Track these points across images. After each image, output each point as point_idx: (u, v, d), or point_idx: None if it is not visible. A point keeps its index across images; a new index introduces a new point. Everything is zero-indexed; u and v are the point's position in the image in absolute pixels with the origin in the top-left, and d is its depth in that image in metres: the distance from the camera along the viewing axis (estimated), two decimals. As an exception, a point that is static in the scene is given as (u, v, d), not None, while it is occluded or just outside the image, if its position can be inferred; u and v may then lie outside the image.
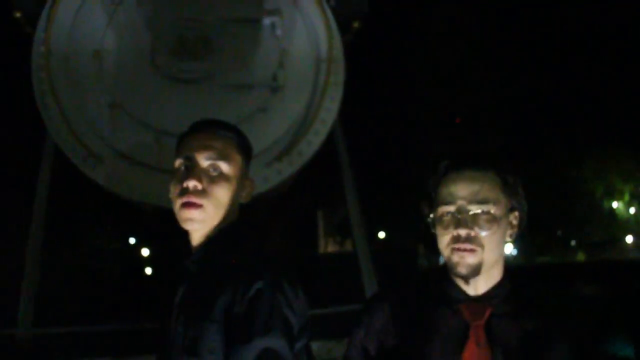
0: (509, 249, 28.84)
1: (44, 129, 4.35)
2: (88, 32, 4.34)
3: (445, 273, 1.53)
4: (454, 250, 1.45)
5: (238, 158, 1.61)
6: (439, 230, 1.50)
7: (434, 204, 1.53)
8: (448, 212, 1.48)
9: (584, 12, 17.83)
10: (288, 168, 4.27)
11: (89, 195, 5.43)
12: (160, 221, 4.53)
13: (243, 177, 1.63)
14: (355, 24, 5.06)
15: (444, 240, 1.48)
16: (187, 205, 1.50)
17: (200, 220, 1.52)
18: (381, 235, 18.86)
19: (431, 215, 1.53)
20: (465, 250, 1.44)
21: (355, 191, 4.96)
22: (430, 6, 15.48)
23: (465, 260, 1.44)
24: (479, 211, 1.46)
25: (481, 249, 1.45)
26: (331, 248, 17.33)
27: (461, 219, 1.46)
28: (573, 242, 25.87)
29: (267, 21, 4.53)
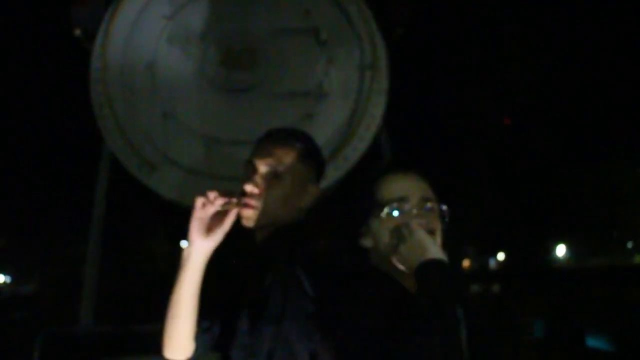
0: (561, 250, 28.17)
1: (102, 139, 4.57)
2: (141, 45, 4.54)
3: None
4: None
5: (299, 166, 1.80)
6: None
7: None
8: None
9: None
10: (334, 173, 4.36)
11: (144, 202, 5.65)
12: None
13: (304, 183, 1.81)
14: (399, 30, 5.11)
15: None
16: (244, 206, 1.73)
17: (255, 219, 1.74)
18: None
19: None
20: None
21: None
22: (475, 8, 15.33)
23: None
24: None
25: None
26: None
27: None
28: (630, 244, 25.05)
29: (312, 30, 4.64)
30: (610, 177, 19.85)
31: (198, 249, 1.67)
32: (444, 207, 1.65)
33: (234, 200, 1.67)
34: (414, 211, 1.62)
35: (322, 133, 4.42)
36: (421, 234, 1.54)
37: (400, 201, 1.63)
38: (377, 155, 4.73)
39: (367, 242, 1.71)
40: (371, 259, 1.73)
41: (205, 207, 1.65)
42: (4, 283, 27.20)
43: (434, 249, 1.52)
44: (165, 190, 4.34)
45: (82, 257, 4.51)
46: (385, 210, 1.63)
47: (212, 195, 1.65)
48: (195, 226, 1.65)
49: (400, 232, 1.57)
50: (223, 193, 1.66)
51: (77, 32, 4.78)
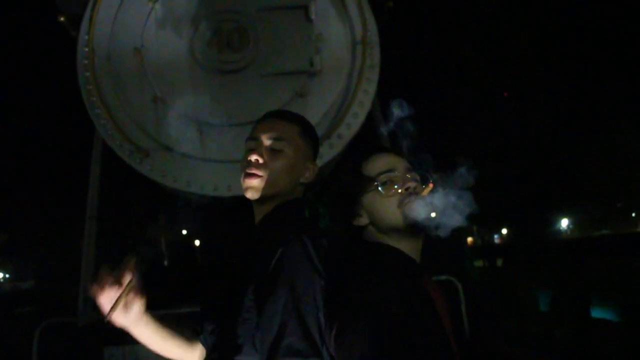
0: (564, 222, 28.18)
1: (93, 126, 4.51)
2: (128, 30, 4.47)
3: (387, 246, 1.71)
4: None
5: (300, 141, 1.87)
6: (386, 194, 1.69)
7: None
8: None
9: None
10: (329, 151, 4.31)
11: (141, 190, 5.61)
12: (204, 209, 4.64)
13: (305, 159, 1.88)
14: (389, 4, 5.03)
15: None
16: (249, 175, 1.78)
17: (259, 189, 1.78)
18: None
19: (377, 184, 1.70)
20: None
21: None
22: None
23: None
24: None
25: None
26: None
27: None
28: (634, 214, 25.05)
29: (301, 8, 4.56)
30: (613, 148, 19.78)
31: (131, 329, 1.71)
32: (427, 174, 1.72)
33: (128, 284, 1.61)
34: (405, 177, 1.71)
35: (316, 111, 4.37)
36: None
37: (389, 172, 1.72)
38: (372, 132, 4.67)
39: (362, 221, 1.75)
40: (366, 237, 1.76)
41: (103, 291, 1.61)
42: (4, 278, 27.39)
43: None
44: (159, 176, 4.29)
45: (81, 249, 4.47)
46: (377, 182, 1.71)
47: (103, 281, 1.60)
48: (110, 309, 1.61)
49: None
50: (114, 276, 1.61)
51: (62, 18, 4.70)
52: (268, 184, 1.79)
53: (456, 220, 1.63)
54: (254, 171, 1.78)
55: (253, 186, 1.79)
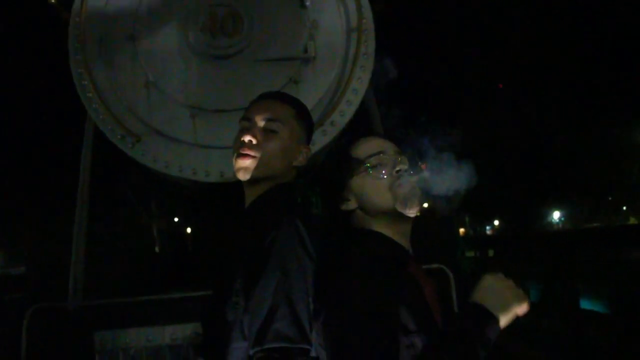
0: (556, 215, 28.36)
1: (84, 110, 4.47)
2: (120, 13, 4.42)
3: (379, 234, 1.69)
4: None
5: (294, 123, 1.83)
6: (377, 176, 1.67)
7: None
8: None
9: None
10: (322, 139, 4.30)
11: (133, 176, 5.58)
12: (196, 195, 4.63)
13: (298, 142, 1.85)
14: (385, -10, 5.00)
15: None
16: (241, 156, 1.74)
17: (252, 170, 1.74)
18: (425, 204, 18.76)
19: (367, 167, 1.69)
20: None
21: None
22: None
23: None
24: None
25: None
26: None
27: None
28: (625, 208, 25.21)
29: (295, -7, 4.52)
30: (605, 142, 19.84)
31: None
32: (416, 157, 1.73)
33: None
34: (395, 159, 1.70)
35: (309, 98, 4.34)
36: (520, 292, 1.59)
37: (379, 154, 1.70)
38: (365, 119, 4.66)
39: (350, 205, 1.72)
40: (353, 222, 1.74)
41: None
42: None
43: None
44: (150, 161, 4.26)
45: (71, 236, 4.44)
46: (367, 164, 1.69)
47: None
48: None
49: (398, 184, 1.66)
50: None
51: (52, 0, 4.65)
52: (261, 165, 1.75)
53: (450, 192, 1.65)
54: (247, 151, 1.75)
55: (245, 167, 1.75)
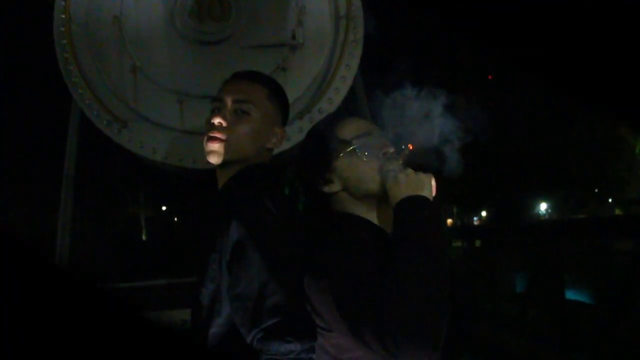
0: (542, 206, 28.61)
1: (70, 95, 4.42)
2: (107, -4, 4.37)
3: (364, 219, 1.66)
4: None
5: (267, 104, 1.76)
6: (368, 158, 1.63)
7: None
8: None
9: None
10: (309, 126, 4.26)
11: (121, 164, 5.54)
12: (182, 182, 4.61)
13: (272, 123, 1.78)
14: (374, -22, 4.97)
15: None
16: (211, 139, 1.68)
17: (222, 153, 1.67)
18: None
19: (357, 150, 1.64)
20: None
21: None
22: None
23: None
24: None
25: None
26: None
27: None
28: (610, 200, 25.40)
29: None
30: (592, 135, 19.96)
31: None
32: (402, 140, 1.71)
33: None
34: (383, 140, 1.67)
35: (297, 85, 4.33)
36: (420, 174, 1.57)
37: (367, 135, 1.66)
38: (353, 107, 4.65)
39: (333, 187, 1.67)
40: (335, 204, 1.69)
41: None
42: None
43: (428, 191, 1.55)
44: (137, 147, 4.23)
45: (56, 222, 4.41)
46: (353, 145, 1.63)
47: None
48: None
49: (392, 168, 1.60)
50: None
51: (37, -17, 4.58)
52: (231, 148, 1.69)
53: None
54: (216, 134, 1.69)
55: (215, 150, 1.69)
